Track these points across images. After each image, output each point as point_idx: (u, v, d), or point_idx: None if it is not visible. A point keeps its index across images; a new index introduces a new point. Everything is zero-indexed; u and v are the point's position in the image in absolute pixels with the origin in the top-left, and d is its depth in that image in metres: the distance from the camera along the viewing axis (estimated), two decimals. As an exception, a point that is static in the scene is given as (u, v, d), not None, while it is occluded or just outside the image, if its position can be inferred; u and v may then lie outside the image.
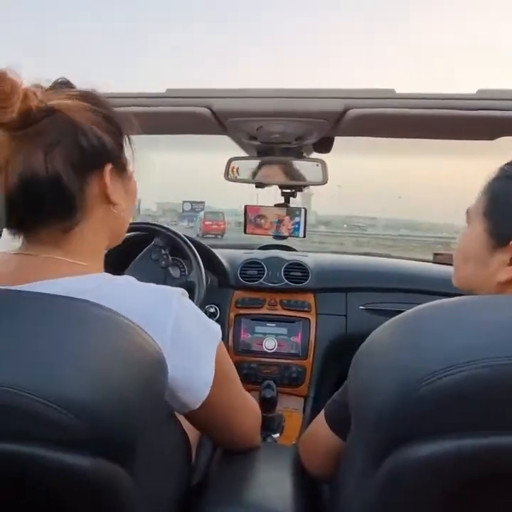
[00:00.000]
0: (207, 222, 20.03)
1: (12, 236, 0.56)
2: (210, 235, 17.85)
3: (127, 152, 0.60)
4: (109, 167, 0.56)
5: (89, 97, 0.55)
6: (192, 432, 0.66)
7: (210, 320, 0.61)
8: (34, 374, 0.37)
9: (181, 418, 0.61)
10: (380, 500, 0.41)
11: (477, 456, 0.36)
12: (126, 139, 0.60)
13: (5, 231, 0.54)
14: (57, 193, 0.52)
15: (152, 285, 0.57)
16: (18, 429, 0.37)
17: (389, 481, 0.39)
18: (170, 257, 1.29)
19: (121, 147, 0.59)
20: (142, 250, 1.31)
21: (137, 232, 1.33)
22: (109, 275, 0.56)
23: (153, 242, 1.29)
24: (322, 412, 0.65)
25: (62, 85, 0.56)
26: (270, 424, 1.12)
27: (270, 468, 0.71)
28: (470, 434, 0.35)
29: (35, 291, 0.46)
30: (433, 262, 1.61)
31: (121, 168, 0.60)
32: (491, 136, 0.85)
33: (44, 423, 0.36)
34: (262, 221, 1.18)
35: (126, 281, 0.55)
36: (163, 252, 1.28)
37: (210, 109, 0.95)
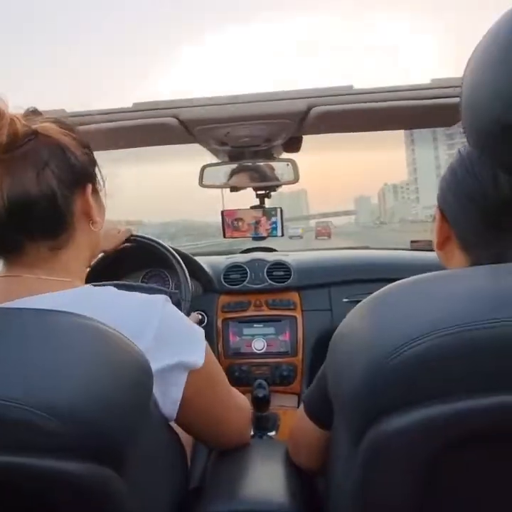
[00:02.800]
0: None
1: None
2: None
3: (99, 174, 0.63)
4: (89, 186, 0.59)
5: (60, 122, 0.58)
6: (185, 438, 0.67)
7: (194, 324, 0.62)
8: (21, 385, 0.38)
9: (174, 425, 0.62)
10: (365, 477, 0.42)
11: (447, 423, 0.37)
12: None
13: None
14: (50, 211, 0.53)
15: (136, 294, 0.58)
16: (8, 440, 0.38)
17: (370, 456, 0.41)
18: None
19: (95, 169, 0.62)
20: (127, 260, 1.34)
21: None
22: (92, 287, 0.57)
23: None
24: (301, 405, 0.67)
25: (33, 113, 0.58)
26: (265, 423, 1.13)
27: (264, 464, 0.72)
28: (438, 401, 0.37)
29: (18, 307, 0.47)
30: (410, 250, 1.65)
31: (96, 187, 0.62)
32: (448, 122, 0.89)
33: (34, 432, 0.37)
34: (240, 224, 1.20)
35: (109, 292, 0.57)
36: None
37: (178, 119, 0.98)
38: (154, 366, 0.51)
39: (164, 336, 0.55)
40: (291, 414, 1.26)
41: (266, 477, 0.69)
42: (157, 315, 0.55)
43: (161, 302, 0.57)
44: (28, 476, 0.39)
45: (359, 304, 0.48)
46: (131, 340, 0.48)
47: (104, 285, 0.59)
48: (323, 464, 0.65)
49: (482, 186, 0.49)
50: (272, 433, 1.14)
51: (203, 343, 0.60)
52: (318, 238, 37.37)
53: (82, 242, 0.60)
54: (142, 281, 1.45)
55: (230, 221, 1.21)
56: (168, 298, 0.60)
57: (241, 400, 0.73)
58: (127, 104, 1.03)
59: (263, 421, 1.12)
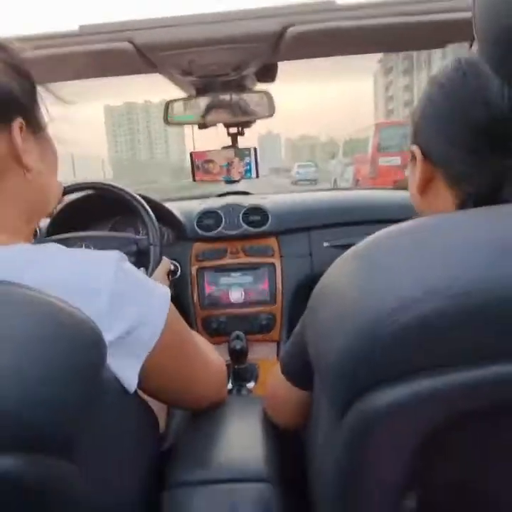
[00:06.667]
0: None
1: None
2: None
3: (43, 110, 0.53)
4: (18, 122, 0.49)
5: None
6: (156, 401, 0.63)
7: (155, 283, 0.55)
8: None
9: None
10: (349, 454, 0.38)
11: (443, 396, 0.33)
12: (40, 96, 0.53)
13: None
14: None
15: (84, 250, 0.51)
16: None
17: (355, 432, 0.36)
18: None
19: (34, 102, 0.52)
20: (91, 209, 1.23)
21: (82, 193, 1.23)
22: (29, 245, 0.49)
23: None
24: (278, 365, 0.62)
25: None
26: (243, 374, 1.11)
27: (240, 426, 0.69)
28: (435, 373, 0.32)
29: None
30: (394, 189, 1.58)
31: (35, 125, 0.52)
32: (441, 43, 0.78)
33: None
34: (210, 166, 1.10)
35: (50, 250, 0.49)
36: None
37: (133, 44, 0.84)
38: (110, 334, 0.45)
39: (120, 299, 0.47)
40: (271, 364, 1.23)
41: (241, 441, 0.66)
42: (110, 275, 0.47)
43: (113, 260, 0.49)
44: None
45: (344, 254, 0.41)
46: (77, 307, 0.41)
47: (47, 242, 0.51)
48: (303, 422, 0.62)
49: (485, 97, 0.41)
50: (251, 384, 1.12)
51: (167, 304, 0.53)
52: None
53: (14, 193, 0.50)
54: (111, 230, 1.36)
55: (199, 163, 1.11)
56: (124, 255, 0.52)
57: (212, 357, 0.69)
58: (73, 27, 0.88)
59: (242, 372, 1.10)
